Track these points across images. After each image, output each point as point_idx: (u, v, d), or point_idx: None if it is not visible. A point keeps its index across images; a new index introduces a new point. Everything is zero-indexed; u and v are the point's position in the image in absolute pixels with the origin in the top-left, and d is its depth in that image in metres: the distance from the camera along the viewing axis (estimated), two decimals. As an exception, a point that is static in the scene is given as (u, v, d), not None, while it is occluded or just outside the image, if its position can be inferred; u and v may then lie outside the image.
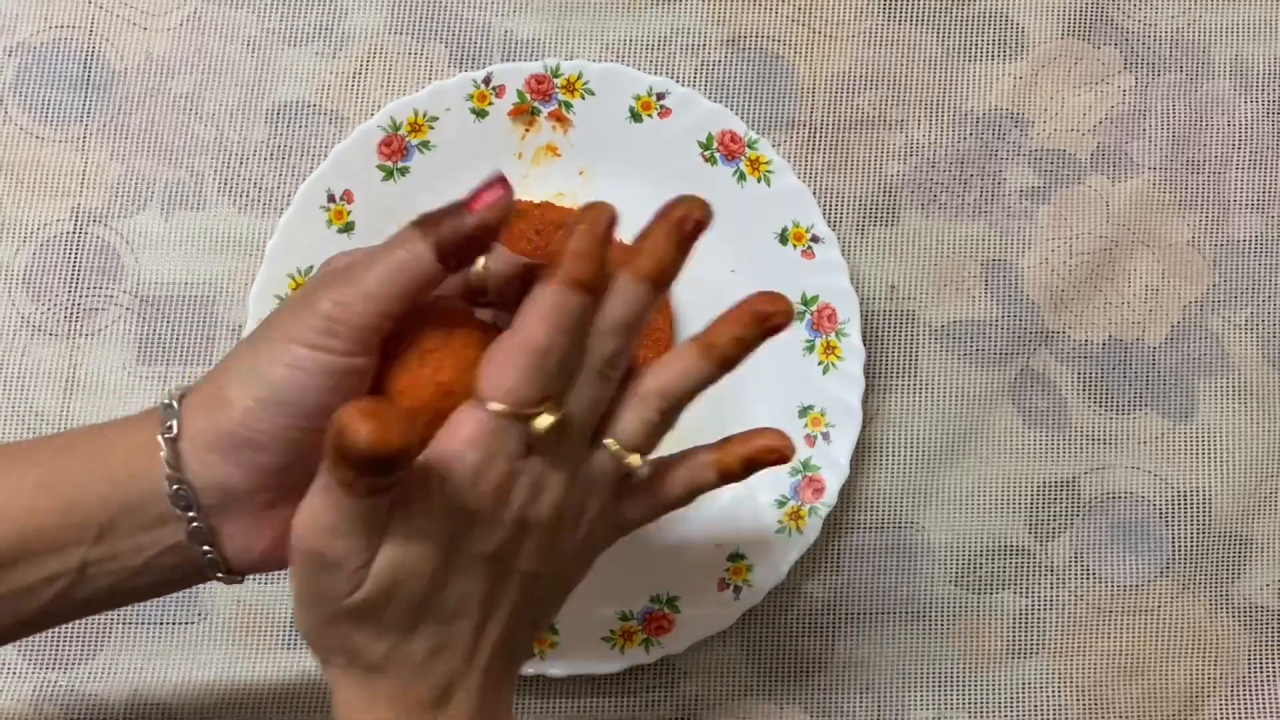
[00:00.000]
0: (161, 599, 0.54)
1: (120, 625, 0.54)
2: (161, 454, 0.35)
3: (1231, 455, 0.56)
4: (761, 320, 0.39)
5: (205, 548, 0.36)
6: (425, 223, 0.35)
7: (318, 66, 0.58)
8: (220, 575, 0.37)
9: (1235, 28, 0.58)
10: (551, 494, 0.37)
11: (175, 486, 0.35)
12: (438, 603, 0.36)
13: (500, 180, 0.35)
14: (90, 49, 0.58)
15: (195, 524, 0.35)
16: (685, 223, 0.37)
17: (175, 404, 0.36)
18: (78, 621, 0.54)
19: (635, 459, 0.39)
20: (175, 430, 0.35)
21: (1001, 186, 0.57)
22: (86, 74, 0.58)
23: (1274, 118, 0.58)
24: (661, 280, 0.37)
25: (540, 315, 0.35)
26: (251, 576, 0.55)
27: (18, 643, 0.54)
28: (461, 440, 0.35)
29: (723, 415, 0.55)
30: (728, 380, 0.55)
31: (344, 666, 0.36)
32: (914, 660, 0.55)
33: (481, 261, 0.38)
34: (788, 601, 0.55)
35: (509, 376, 0.35)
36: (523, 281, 0.38)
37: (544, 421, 0.35)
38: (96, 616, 0.54)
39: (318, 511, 0.34)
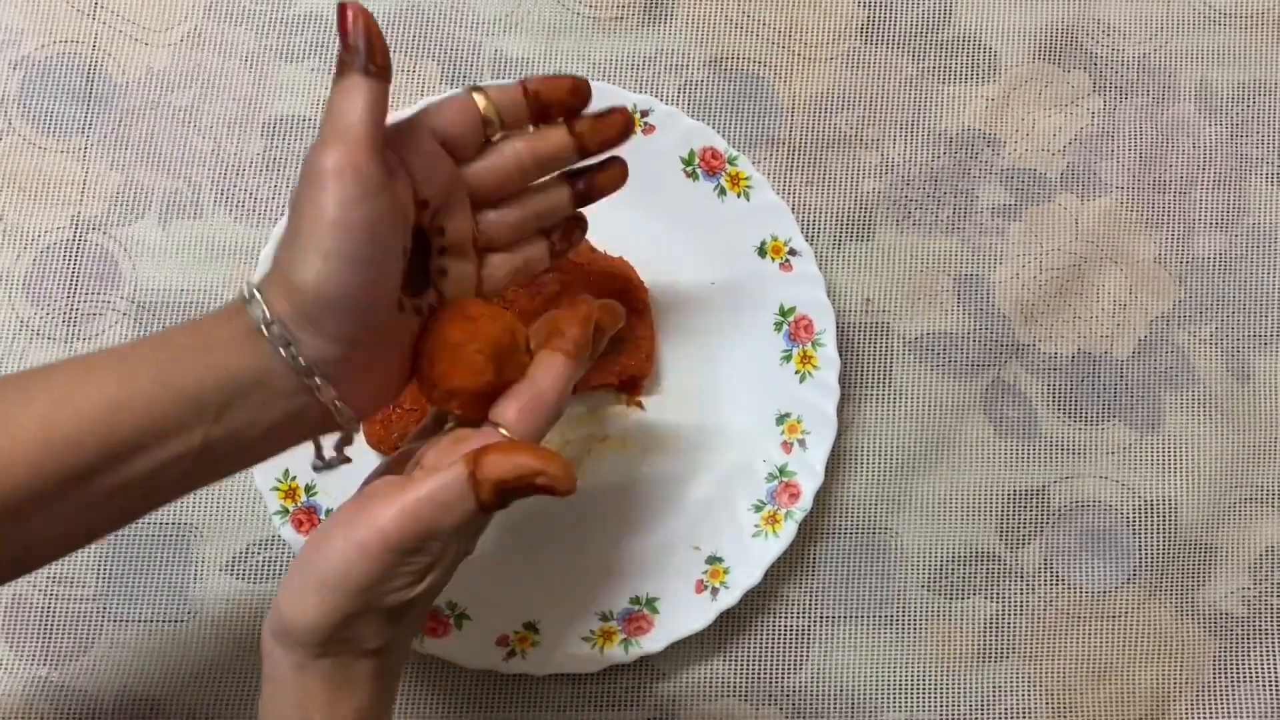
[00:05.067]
0: (152, 598, 0.56)
1: (110, 623, 0.55)
2: (269, 337, 0.38)
3: (1197, 466, 0.57)
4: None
5: (335, 403, 0.40)
6: (342, 68, 0.39)
7: (313, 82, 0.59)
8: (350, 420, 0.41)
9: (1199, 53, 0.60)
10: None
11: (297, 359, 0.38)
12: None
13: (342, 7, 0.39)
14: (93, 63, 0.60)
15: (325, 395, 0.39)
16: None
17: (256, 293, 0.39)
18: (68, 619, 0.55)
19: None
20: (268, 315, 0.38)
21: (974, 204, 0.59)
22: (89, 87, 0.59)
23: (1237, 140, 0.60)
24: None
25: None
26: (242, 575, 0.56)
27: (9, 639, 0.55)
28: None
29: (702, 422, 0.57)
30: (707, 388, 0.57)
31: (329, 655, 0.38)
32: (886, 662, 0.56)
33: (482, 99, 0.42)
34: (764, 604, 0.56)
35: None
36: (530, 104, 0.43)
37: None
38: (88, 614, 0.55)
39: (448, 502, 0.38)
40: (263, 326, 0.38)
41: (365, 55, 0.39)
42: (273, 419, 0.39)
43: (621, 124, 0.45)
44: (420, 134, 0.42)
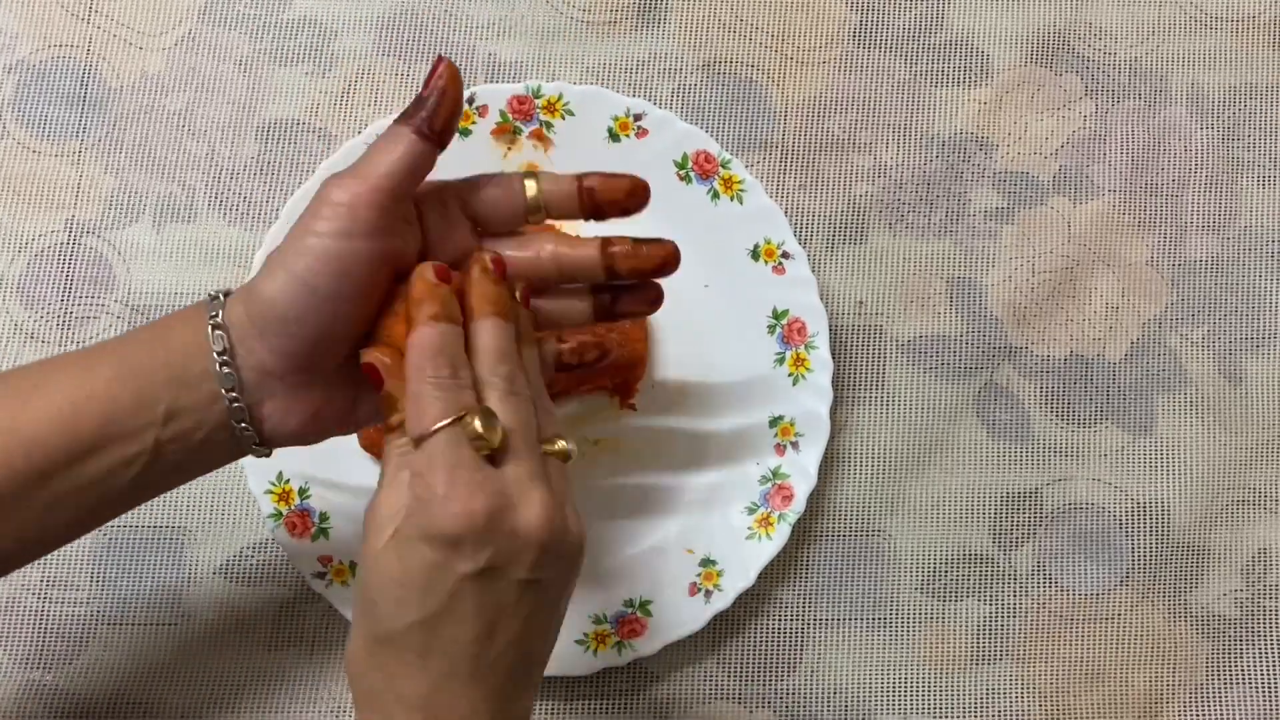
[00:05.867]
0: (144, 600, 0.56)
1: (104, 626, 0.55)
2: (210, 340, 0.39)
3: (1189, 468, 0.58)
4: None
5: (241, 424, 0.40)
6: (401, 117, 0.41)
7: (307, 86, 0.60)
8: (255, 446, 0.41)
9: (1191, 57, 0.60)
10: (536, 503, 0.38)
11: (224, 369, 0.39)
12: None
13: (439, 60, 0.41)
14: (87, 67, 0.60)
15: (236, 403, 0.40)
16: (495, 264, 0.41)
17: (220, 296, 0.40)
18: (62, 622, 0.55)
19: (561, 445, 0.41)
20: (220, 318, 0.39)
21: (966, 207, 0.59)
22: (83, 91, 0.60)
23: (1228, 143, 0.60)
24: (500, 312, 0.40)
25: (414, 353, 0.39)
26: (236, 578, 0.56)
27: (2, 642, 0.55)
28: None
29: (695, 425, 0.57)
30: (700, 391, 0.57)
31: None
32: (880, 665, 0.56)
33: (533, 186, 0.43)
34: (757, 606, 0.56)
35: (414, 411, 0.38)
36: (580, 196, 0.43)
37: (472, 427, 0.37)
38: (81, 617, 0.55)
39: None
40: (209, 328, 0.39)
41: (428, 115, 0.40)
42: (211, 425, 0.39)
43: (661, 259, 0.43)
44: (448, 203, 0.42)
